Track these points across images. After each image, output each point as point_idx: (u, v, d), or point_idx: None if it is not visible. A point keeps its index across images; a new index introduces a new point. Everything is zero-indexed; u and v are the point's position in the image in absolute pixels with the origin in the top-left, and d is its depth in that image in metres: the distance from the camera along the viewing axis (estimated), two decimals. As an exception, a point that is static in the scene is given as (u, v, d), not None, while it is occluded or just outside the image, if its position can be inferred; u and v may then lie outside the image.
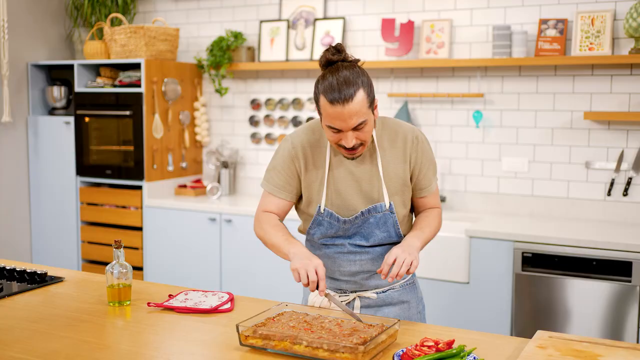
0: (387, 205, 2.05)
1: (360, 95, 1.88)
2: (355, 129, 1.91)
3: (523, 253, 3.27)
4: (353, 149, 1.95)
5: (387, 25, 4.01)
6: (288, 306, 1.94)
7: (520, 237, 3.28)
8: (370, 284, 2.12)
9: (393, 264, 1.91)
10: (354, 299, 2.12)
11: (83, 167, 4.59)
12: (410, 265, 1.90)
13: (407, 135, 2.08)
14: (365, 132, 1.93)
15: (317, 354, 1.64)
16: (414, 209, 2.21)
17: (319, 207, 2.06)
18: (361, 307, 2.12)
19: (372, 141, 2.06)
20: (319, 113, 1.97)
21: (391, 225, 2.07)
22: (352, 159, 2.03)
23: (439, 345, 1.62)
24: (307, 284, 1.87)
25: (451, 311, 3.45)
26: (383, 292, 2.13)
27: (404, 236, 2.11)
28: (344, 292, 2.13)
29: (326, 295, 1.90)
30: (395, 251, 1.93)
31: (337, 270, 2.12)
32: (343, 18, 4.20)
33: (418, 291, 2.23)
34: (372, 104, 1.94)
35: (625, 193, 3.57)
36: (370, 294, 2.11)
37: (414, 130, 2.10)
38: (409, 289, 2.18)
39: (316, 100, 1.95)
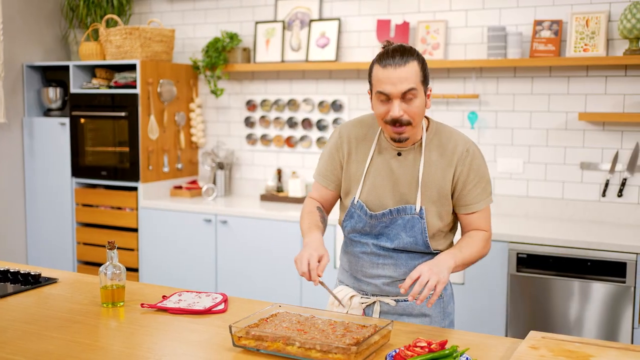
0: (417, 209, 2.00)
1: (414, 65, 1.90)
2: (404, 98, 1.89)
3: (518, 254, 3.28)
4: (400, 124, 1.92)
5: (383, 26, 4.01)
6: (281, 307, 1.94)
7: (515, 238, 3.28)
8: (390, 290, 2.08)
9: (417, 280, 1.82)
10: (375, 302, 2.10)
11: (78, 168, 4.59)
12: (435, 288, 1.80)
13: (458, 146, 2.03)
14: (414, 106, 1.91)
15: (310, 354, 1.64)
16: (461, 228, 2.14)
17: (354, 198, 2.07)
18: (380, 312, 2.09)
19: (420, 144, 2.03)
20: (370, 89, 1.97)
21: (419, 232, 2.01)
22: (399, 141, 1.97)
23: (432, 346, 1.62)
24: (304, 275, 1.90)
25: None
26: (404, 300, 2.08)
27: (438, 252, 2.06)
28: (366, 294, 2.12)
29: (320, 283, 1.92)
30: (421, 267, 1.84)
31: (360, 271, 2.11)
32: (338, 19, 4.20)
33: (446, 305, 2.12)
34: (425, 82, 1.94)
35: (619, 194, 3.57)
36: (390, 300, 2.08)
37: (467, 143, 2.05)
38: (434, 302, 2.00)
39: (370, 73, 1.96)
